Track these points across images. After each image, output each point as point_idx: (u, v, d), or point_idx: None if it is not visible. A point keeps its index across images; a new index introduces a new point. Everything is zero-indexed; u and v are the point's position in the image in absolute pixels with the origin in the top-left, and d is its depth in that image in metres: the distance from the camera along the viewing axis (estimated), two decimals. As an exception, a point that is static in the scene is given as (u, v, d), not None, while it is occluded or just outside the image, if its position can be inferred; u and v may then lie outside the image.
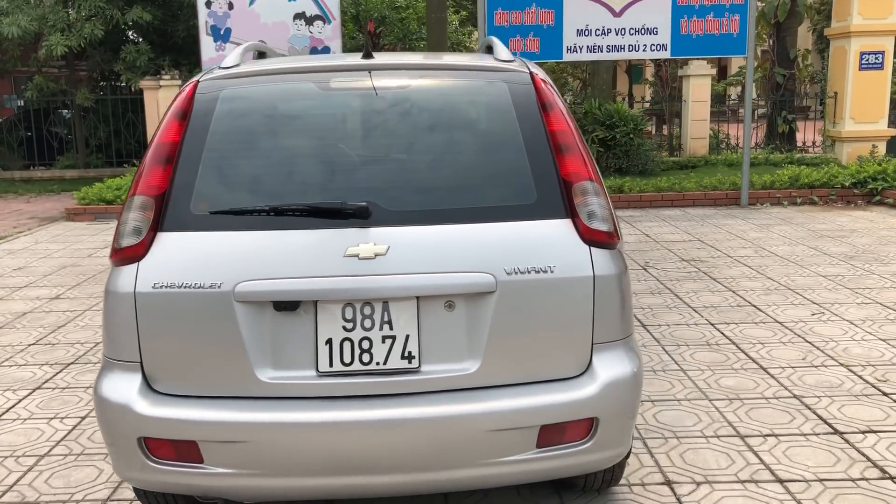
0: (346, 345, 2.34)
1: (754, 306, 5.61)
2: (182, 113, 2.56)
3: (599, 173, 2.64)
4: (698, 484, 3.15)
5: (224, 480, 2.36)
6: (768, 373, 4.31)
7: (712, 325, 5.20)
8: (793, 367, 4.38)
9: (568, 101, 18.24)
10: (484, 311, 2.36)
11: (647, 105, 18.02)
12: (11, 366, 4.78)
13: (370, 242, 2.35)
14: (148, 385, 2.38)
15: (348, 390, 2.34)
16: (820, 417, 3.72)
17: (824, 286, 6.12)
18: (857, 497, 3.02)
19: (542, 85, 2.65)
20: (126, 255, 2.41)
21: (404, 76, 2.70)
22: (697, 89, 13.96)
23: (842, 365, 4.40)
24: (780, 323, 5.20)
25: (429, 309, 2.36)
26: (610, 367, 2.44)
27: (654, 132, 16.77)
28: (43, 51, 13.48)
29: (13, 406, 4.12)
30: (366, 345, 2.34)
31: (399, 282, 2.33)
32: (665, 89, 16.19)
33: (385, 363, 2.34)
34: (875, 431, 3.56)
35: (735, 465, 3.29)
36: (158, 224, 2.42)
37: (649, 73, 22.11)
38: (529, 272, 2.38)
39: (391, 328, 2.35)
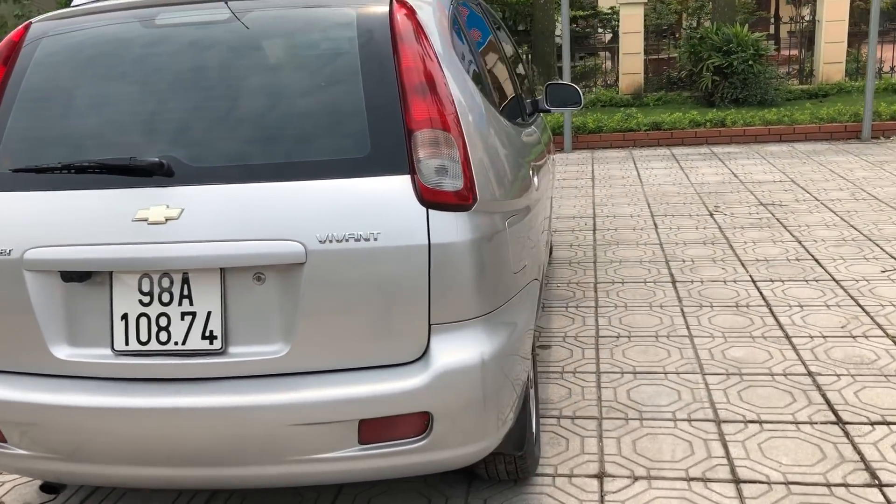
0: (143, 321, 2.07)
1: (816, 260, 4.86)
2: (5, 59, 2.34)
3: (466, 122, 2.17)
4: (635, 479, 2.69)
5: (26, 462, 2.19)
6: (791, 342, 3.68)
7: (754, 282, 4.54)
8: (824, 337, 3.72)
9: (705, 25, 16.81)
10: (295, 286, 2.02)
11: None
12: None
13: (162, 205, 2.05)
14: None
15: (145, 372, 2.08)
16: (827, 402, 3.11)
17: (917, 236, 5.24)
18: (822, 509, 2.47)
19: (400, 11, 2.21)
20: None
21: (243, 7, 2.33)
22: (833, 7, 12.37)
23: (888, 336, 3.69)
24: (836, 281, 4.46)
25: (236, 282, 2.05)
26: (451, 353, 2.04)
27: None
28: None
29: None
30: (163, 321, 2.06)
31: (193, 251, 2.02)
32: (797, 8, 14.57)
33: (184, 343, 2.06)
34: (889, 423, 2.93)
35: (692, 457, 2.79)
36: None
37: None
38: (347, 240, 2.00)
39: (191, 303, 2.06)
